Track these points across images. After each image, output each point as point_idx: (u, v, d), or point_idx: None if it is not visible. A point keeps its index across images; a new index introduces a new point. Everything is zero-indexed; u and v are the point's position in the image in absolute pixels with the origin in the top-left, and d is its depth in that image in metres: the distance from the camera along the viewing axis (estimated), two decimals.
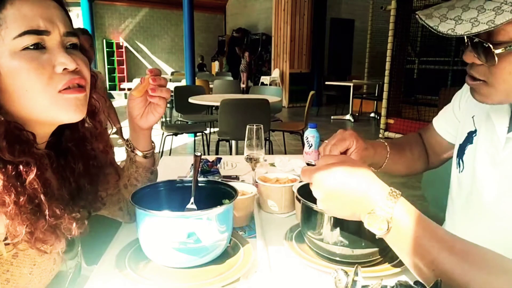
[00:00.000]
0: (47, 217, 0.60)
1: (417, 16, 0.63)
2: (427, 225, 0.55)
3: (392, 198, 0.56)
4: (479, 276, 0.50)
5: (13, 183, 0.57)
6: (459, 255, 0.52)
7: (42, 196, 0.60)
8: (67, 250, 0.72)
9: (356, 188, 0.58)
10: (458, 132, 0.90)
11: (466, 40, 0.64)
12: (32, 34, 0.58)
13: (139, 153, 0.87)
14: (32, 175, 0.58)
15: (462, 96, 0.92)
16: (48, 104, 0.61)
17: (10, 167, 0.57)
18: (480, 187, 0.80)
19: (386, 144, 0.94)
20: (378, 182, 0.58)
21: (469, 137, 0.85)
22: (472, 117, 0.85)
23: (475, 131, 0.83)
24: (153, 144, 0.90)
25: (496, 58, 0.60)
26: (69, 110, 0.63)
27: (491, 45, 0.60)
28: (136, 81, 6.11)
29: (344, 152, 0.83)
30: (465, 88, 0.91)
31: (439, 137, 0.99)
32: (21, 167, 0.58)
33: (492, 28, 0.56)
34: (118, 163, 0.90)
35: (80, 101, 0.65)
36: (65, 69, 0.61)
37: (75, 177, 0.73)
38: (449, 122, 0.96)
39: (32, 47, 0.59)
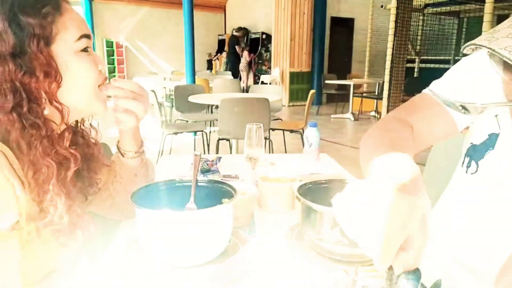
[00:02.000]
0: (68, 213, 0.67)
1: (486, 48, 0.47)
2: None
3: None
4: None
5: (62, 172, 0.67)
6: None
7: (60, 190, 0.67)
8: None
9: None
10: (475, 128, 0.80)
11: None
12: (86, 38, 0.71)
13: (121, 153, 0.88)
14: (72, 169, 0.69)
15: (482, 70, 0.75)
16: (95, 96, 0.75)
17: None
18: (502, 195, 0.72)
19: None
20: None
21: (491, 140, 0.75)
22: (496, 116, 0.74)
23: (499, 134, 0.73)
24: (141, 148, 0.89)
25: None
26: (105, 104, 0.78)
27: None
28: (136, 80, 6.11)
29: None
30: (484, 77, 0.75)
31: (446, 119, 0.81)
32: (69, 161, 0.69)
33: None
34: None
35: (106, 98, 0.79)
36: (101, 69, 0.76)
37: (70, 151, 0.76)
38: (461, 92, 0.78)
39: (83, 50, 0.71)
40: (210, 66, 12.31)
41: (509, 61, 0.44)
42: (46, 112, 0.68)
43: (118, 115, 0.81)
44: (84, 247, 0.83)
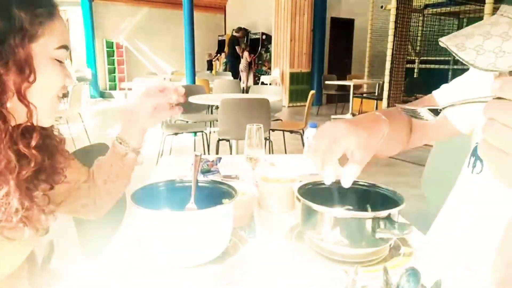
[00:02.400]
0: (18, 208, 0.65)
1: (445, 46, 0.54)
2: None
3: None
4: None
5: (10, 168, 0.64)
6: None
7: (16, 189, 0.65)
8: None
9: None
10: (480, 128, 0.82)
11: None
12: (65, 49, 0.72)
13: (132, 150, 0.90)
14: (30, 170, 0.67)
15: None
16: (51, 106, 0.73)
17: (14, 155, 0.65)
18: (506, 195, 0.72)
19: (386, 122, 0.75)
20: None
21: None
22: None
23: None
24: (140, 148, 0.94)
25: None
26: (54, 116, 0.76)
27: None
28: (137, 80, 6.12)
29: None
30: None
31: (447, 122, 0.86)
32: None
33: None
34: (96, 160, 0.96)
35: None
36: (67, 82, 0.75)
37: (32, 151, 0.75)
38: (465, 111, 0.82)
39: (59, 60, 0.71)
40: (210, 66, 12.35)
41: (454, 54, 0.51)
42: (8, 105, 0.66)
43: (165, 112, 0.87)
44: (39, 246, 0.82)
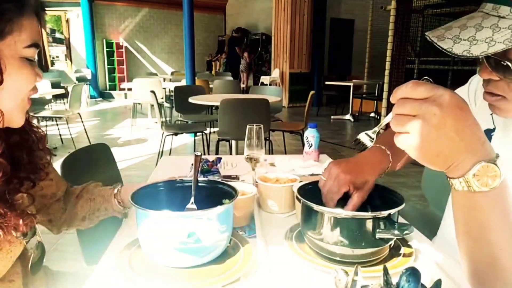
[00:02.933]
0: None
1: (427, 37, 0.60)
2: None
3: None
4: None
5: None
6: None
7: None
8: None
9: (475, 122, 0.50)
10: None
11: (480, 58, 0.61)
12: (35, 47, 0.67)
13: (122, 207, 0.93)
14: None
15: (479, 92, 0.85)
16: (20, 107, 0.69)
17: None
18: None
19: (388, 154, 0.86)
20: None
21: (487, 135, 0.78)
22: (491, 114, 0.79)
23: (494, 129, 0.79)
24: None
25: None
26: (23, 116, 0.72)
27: (509, 63, 0.57)
28: (137, 81, 6.12)
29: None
30: (480, 83, 0.82)
31: None
32: None
33: (510, 47, 0.54)
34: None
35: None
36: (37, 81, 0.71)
37: (12, 149, 0.73)
38: None
39: (29, 59, 0.67)
40: (210, 67, 12.35)
41: (434, 43, 0.58)
42: None
43: None
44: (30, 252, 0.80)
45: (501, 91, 0.63)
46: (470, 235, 0.54)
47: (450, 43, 0.57)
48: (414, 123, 0.48)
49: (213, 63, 12.34)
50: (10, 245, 0.70)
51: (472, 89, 0.87)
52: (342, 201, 0.81)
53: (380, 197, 0.81)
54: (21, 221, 0.68)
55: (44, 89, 5.06)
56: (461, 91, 0.89)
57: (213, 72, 11.14)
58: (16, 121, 0.70)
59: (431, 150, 0.49)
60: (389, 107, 5.04)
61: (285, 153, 4.33)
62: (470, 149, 0.49)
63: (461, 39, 0.57)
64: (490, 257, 0.51)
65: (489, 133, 0.81)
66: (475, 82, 0.87)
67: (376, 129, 0.61)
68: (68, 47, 12.03)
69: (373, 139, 0.62)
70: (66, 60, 12.55)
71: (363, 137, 0.62)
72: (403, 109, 0.49)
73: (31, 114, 0.79)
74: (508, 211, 0.51)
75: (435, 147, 0.49)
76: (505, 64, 0.58)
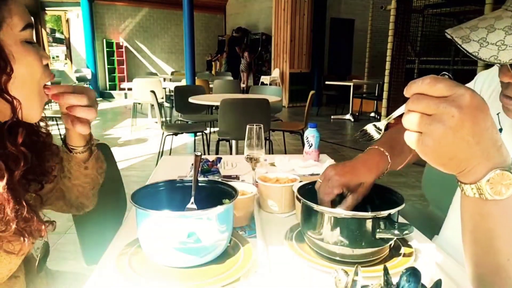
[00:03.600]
0: (16, 220, 0.61)
1: (449, 36, 0.56)
2: None
3: None
4: None
5: None
6: None
7: (10, 196, 0.60)
8: None
9: (494, 126, 0.46)
10: None
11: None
12: (30, 28, 0.65)
13: (69, 149, 0.82)
14: (20, 170, 0.61)
15: (484, 90, 0.85)
16: (37, 96, 0.67)
17: None
18: None
19: (386, 155, 0.84)
20: None
21: None
22: (497, 114, 0.79)
23: (500, 130, 0.78)
24: (91, 141, 0.85)
25: None
26: (42, 108, 0.69)
27: None
28: (137, 81, 6.12)
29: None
30: (487, 81, 0.85)
31: None
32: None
33: None
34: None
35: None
36: (47, 63, 0.68)
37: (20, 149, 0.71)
38: None
39: (28, 41, 0.65)
40: (209, 67, 12.35)
41: (458, 45, 0.54)
42: None
43: (72, 125, 0.75)
44: (35, 252, 0.79)
45: None
46: (477, 241, 0.52)
47: (476, 47, 0.54)
48: (429, 123, 0.44)
49: (213, 63, 12.33)
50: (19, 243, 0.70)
51: (478, 88, 0.85)
52: (342, 202, 0.81)
53: (380, 197, 0.81)
54: (43, 226, 0.67)
55: None
56: (476, 87, 0.87)
57: (213, 72, 11.14)
58: (33, 114, 0.68)
59: (444, 153, 0.46)
60: (390, 107, 5.03)
61: (285, 153, 4.33)
62: (486, 154, 0.46)
63: (489, 43, 0.53)
64: (496, 265, 0.50)
65: None
66: (481, 81, 0.86)
67: (385, 122, 0.56)
68: (68, 47, 12.03)
69: (381, 130, 0.57)
70: (66, 60, 12.54)
71: (369, 128, 0.58)
72: (417, 106, 0.45)
73: None
74: None
75: (449, 151, 0.45)
76: None
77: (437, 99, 0.44)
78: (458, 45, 0.54)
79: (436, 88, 0.44)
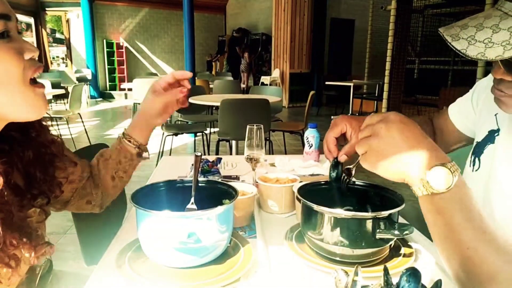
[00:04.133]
0: (3, 246, 0.56)
1: (441, 34, 0.59)
2: (476, 206, 0.54)
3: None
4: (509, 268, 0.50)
5: None
6: (498, 247, 0.52)
7: None
8: None
9: (423, 134, 0.56)
10: (477, 128, 0.87)
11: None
12: (4, 18, 0.56)
13: (140, 147, 0.89)
14: None
15: (483, 91, 0.88)
16: (24, 95, 0.59)
17: None
18: (496, 189, 0.77)
19: None
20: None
21: (491, 136, 0.81)
22: (495, 115, 0.81)
23: (498, 130, 0.80)
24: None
25: None
26: (41, 106, 0.62)
27: None
28: (137, 81, 6.12)
29: (342, 137, 0.82)
30: (487, 83, 0.87)
31: (452, 125, 0.95)
32: None
33: None
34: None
35: (44, 97, 0.64)
36: (31, 56, 0.59)
37: (25, 166, 0.69)
38: (465, 113, 0.92)
39: (0, 36, 0.56)
40: (210, 67, 12.35)
41: (448, 42, 0.58)
42: None
43: (182, 103, 0.86)
44: (37, 269, 0.76)
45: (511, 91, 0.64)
46: (439, 236, 0.56)
47: (464, 44, 0.57)
48: (368, 140, 0.58)
49: (213, 63, 12.33)
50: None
51: (476, 95, 0.89)
52: (343, 202, 0.81)
53: (380, 197, 0.81)
54: (33, 254, 0.61)
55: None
56: (464, 98, 0.92)
57: (213, 72, 11.14)
58: (25, 113, 0.61)
59: (385, 159, 0.56)
60: (390, 107, 5.03)
61: (285, 153, 4.34)
62: (421, 156, 0.54)
63: (477, 41, 0.56)
64: (461, 256, 0.53)
65: (493, 134, 0.81)
66: (479, 88, 0.89)
67: (355, 165, 0.70)
68: (68, 47, 12.03)
69: (351, 174, 0.72)
70: (66, 60, 12.54)
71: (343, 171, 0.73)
72: (362, 134, 0.60)
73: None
74: (470, 210, 0.53)
75: (387, 156, 0.56)
76: None
77: (374, 123, 0.59)
78: (448, 43, 0.58)
79: (373, 118, 0.60)
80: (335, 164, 0.76)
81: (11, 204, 0.60)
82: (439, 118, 1.00)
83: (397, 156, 0.55)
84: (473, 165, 0.85)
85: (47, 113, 0.69)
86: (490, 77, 0.86)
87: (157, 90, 0.85)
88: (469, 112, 0.91)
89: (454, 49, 0.57)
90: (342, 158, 0.74)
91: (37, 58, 0.62)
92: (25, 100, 0.60)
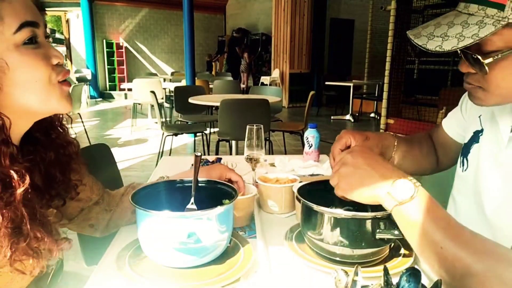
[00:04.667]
0: (28, 238, 0.59)
1: (408, 35, 0.67)
2: (441, 209, 0.61)
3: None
4: (481, 262, 0.53)
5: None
6: (465, 241, 0.56)
7: (24, 212, 0.58)
8: None
9: (383, 159, 0.69)
10: (465, 132, 0.91)
11: (459, 53, 0.68)
12: (28, 26, 0.58)
13: None
14: (22, 188, 0.57)
15: (467, 111, 0.92)
16: (51, 94, 0.63)
17: None
18: (483, 186, 0.80)
19: (393, 135, 0.95)
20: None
21: (475, 136, 0.85)
22: (479, 116, 0.85)
23: (482, 130, 0.84)
24: None
25: (487, 68, 0.64)
26: (66, 101, 0.66)
27: (480, 57, 0.63)
28: (137, 81, 6.12)
29: (347, 149, 0.84)
30: (465, 103, 0.93)
31: (448, 137, 0.99)
32: (12, 178, 0.57)
33: (477, 41, 0.60)
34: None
35: (69, 94, 0.68)
36: (58, 62, 0.63)
37: (46, 166, 0.71)
38: (457, 123, 0.96)
39: (29, 42, 0.59)
40: (209, 67, 12.35)
41: (411, 40, 0.66)
42: None
43: None
44: (48, 268, 0.77)
45: (478, 83, 0.70)
46: (416, 243, 0.61)
47: (424, 40, 0.64)
48: (338, 169, 0.70)
49: (213, 63, 12.33)
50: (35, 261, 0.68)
51: (464, 107, 0.95)
52: (343, 202, 0.81)
53: None
54: (55, 246, 0.65)
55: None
56: (455, 110, 0.98)
57: (213, 73, 11.14)
58: (55, 108, 0.65)
59: (355, 183, 0.67)
60: (389, 107, 5.01)
61: (285, 154, 4.34)
62: (385, 176, 0.64)
63: (435, 36, 0.64)
64: (438, 257, 0.57)
65: (477, 134, 0.85)
66: (466, 100, 0.95)
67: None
68: (68, 48, 12.03)
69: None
70: (66, 60, 12.54)
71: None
72: (334, 169, 0.72)
73: None
74: (435, 212, 0.60)
75: (357, 180, 0.67)
76: (476, 57, 0.64)
77: (342, 157, 0.71)
78: (411, 40, 0.66)
79: (341, 153, 0.73)
80: None
81: (34, 201, 0.63)
82: (436, 133, 1.03)
83: (366, 179, 0.66)
84: (462, 165, 0.88)
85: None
86: None
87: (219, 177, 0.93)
88: (460, 121, 0.95)
89: (417, 45, 0.64)
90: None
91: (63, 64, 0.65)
92: (53, 97, 0.64)
